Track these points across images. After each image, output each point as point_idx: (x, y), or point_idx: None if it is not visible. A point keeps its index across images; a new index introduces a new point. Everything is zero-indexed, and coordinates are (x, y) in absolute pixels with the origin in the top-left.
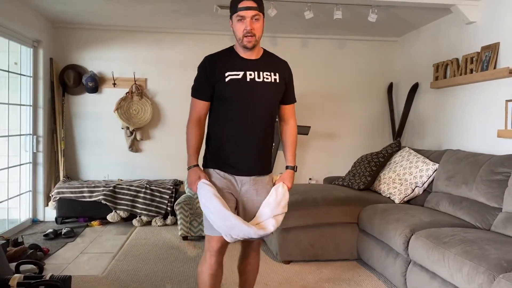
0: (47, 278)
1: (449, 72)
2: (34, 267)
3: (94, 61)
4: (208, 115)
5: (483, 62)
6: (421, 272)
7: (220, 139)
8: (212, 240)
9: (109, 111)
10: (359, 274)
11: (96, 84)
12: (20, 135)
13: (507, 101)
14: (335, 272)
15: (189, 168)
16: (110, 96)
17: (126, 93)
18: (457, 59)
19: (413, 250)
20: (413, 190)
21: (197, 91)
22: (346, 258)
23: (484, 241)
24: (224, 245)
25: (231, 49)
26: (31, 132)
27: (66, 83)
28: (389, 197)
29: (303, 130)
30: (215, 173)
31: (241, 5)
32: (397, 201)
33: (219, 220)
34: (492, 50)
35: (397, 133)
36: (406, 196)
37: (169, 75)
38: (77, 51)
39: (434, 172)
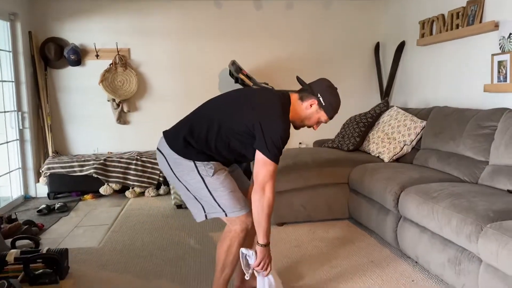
0: (44, 251)
1: (435, 29)
2: (30, 242)
3: (75, 33)
4: (217, 134)
5: (469, 16)
6: (411, 227)
7: (219, 156)
8: (248, 216)
9: (94, 84)
10: (351, 232)
11: (78, 56)
12: (5, 112)
13: (493, 55)
14: (328, 232)
15: (266, 245)
16: (94, 68)
17: (110, 65)
18: (443, 15)
19: (403, 206)
20: (402, 148)
21: (279, 158)
22: (338, 217)
23: (472, 193)
24: None
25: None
26: (15, 109)
27: (48, 56)
28: (378, 157)
29: None
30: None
31: (333, 113)
32: (386, 160)
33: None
34: (477, 4)
35: (385, 93)
36: (395, 155)
37: (152, 44)
38: (56, 23)
39: (422, 129)
